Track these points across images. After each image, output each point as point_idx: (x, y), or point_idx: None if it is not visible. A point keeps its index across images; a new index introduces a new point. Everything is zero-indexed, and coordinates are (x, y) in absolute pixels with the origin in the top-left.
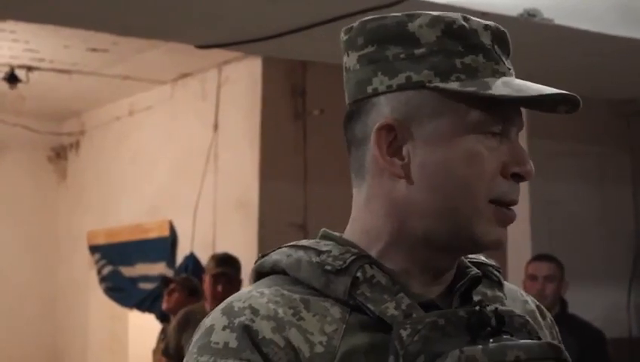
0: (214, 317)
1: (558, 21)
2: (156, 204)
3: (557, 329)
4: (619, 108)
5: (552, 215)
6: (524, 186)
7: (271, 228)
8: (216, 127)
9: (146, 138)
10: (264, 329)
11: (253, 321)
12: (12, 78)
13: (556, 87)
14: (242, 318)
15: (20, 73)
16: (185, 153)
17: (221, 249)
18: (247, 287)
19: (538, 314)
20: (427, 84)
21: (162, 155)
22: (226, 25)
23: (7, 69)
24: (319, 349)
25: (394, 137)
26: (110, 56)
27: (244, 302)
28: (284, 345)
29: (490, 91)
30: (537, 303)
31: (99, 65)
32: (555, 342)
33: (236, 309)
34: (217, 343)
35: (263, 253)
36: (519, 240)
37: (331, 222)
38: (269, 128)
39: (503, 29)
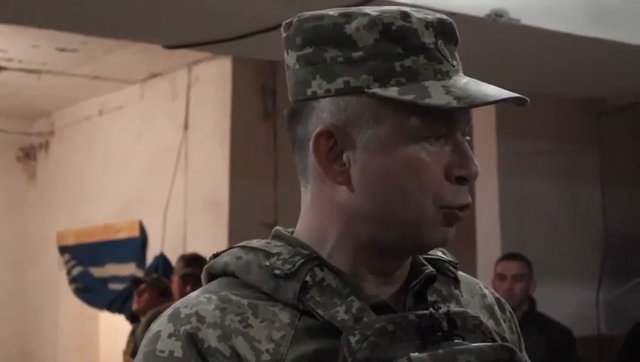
0: (161, 323)
1: (525, 21)
2: (126, 204)
3: (516, 323)
4: (588, 107)
5: (521, 213)
6: (493, 185)
7: (241, 228)
8: (186, 126)
9: (116, 138)
10: (210, 337)
11: (199, 329)
12: None
13: (524, 86)
14: (188, 326)
15: None
16: (155, 153)
17: (191, 249)
18: (195, 291)
19: (497, 308)
20: (365, 90)
21: (132, 155)
22: (195, 25)
23: None
24: (266, 357)
25: (334, 143)
26: (79, 56)
27: (190, 309)
28: (230, 354)
29: (428, 100)
30: (497, 296)
31: (68, 65)
32: (509, 344)
33: (182, 316)
34: (163, 351)
35: (220, 251)
36: (489, 238)
37: None
38: (239, 128)
39: (448, 20)
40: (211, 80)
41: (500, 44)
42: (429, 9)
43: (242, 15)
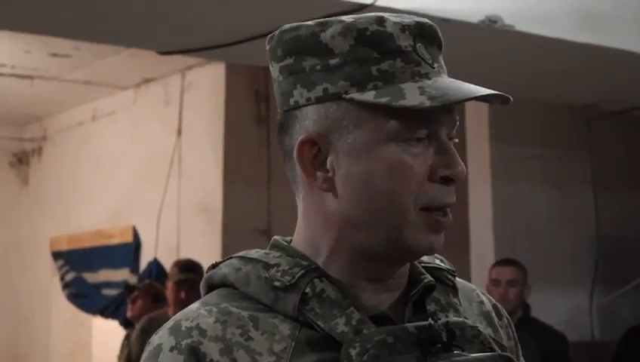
0: (162, 336)
1: (518, 27)
2: (119, 209)
3: (513, 329)
4: (580, 112)
5: (514, 219)
6: (486, 190)
7: (234, 233)
8: (179, 132)
9: (109, 143)
10: (212, 351)
11: (201, 343)
12: None
13: (517, 91)
14: (189, 340)
15: None
16: (148, 158)
17: (185, 254)
18: (195, 303)
19: (494, 315)
20: (344, 96)
21: (125, 160)
22: (189, 31)
23: None
24: None
25: (317, 150)
26: (72, 62)
27: (191, 322)
28: None
29: (402, 102)
30: (494, 302)
31: (61, 71)
32: (507, 354)
33: (183, 329)
34: None
35: (219, 261)
36: (482, 244)
37: (294, 227)
38: (232, 133)
39: (428, 23)
40: (204, 85)
41: (494, 49)
42: (423, 15)
43: (235, 21)
